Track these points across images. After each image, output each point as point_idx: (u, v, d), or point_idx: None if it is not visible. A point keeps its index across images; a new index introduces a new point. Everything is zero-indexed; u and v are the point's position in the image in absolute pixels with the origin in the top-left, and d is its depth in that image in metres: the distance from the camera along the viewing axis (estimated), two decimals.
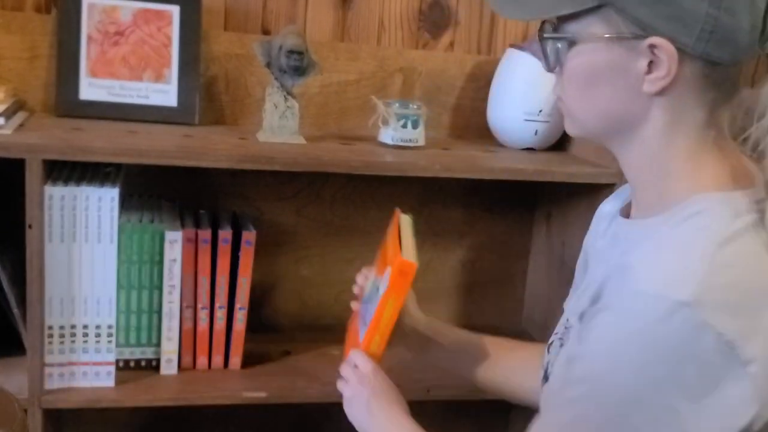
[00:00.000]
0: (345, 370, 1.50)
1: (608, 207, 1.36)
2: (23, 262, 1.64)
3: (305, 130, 1.92)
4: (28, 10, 1.93)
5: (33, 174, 1.57)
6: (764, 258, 1.05)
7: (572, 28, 1.13)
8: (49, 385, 1.71)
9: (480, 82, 2.17)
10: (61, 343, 1.71)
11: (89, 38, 1.90)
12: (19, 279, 1.71)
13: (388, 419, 1.45)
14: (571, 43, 1.14)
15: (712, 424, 1.02)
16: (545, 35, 1.16)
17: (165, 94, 1.95)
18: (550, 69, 1.20)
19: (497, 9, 1.19)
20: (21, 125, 1.74)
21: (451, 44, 2.18)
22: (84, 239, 1.66)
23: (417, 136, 1.92)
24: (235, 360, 1.88)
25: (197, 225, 1.84)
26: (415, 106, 1.94)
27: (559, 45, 1.15)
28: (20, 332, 1.76)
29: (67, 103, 1.90)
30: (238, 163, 1.69)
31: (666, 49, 1.06)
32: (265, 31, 2.06)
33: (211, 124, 2.02)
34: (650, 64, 1.08)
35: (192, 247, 1.80)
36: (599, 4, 1.08)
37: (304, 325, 2.18)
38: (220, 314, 1.85)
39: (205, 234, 1.80)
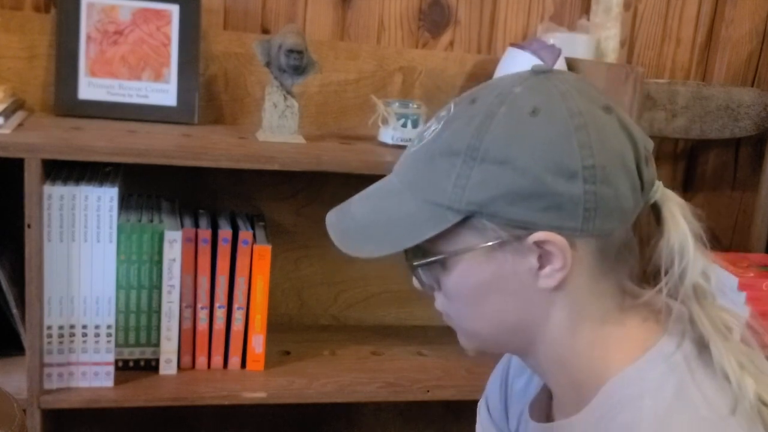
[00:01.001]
0: None
1: (520, 384, 1.26)
2: (22, 262, 1.64)
3: (305, 130, 1.92)
4: (27, 9, 1.93)
5: (32, 173, 1.57)
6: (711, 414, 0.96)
7: (442, 248, 1.02)
8: (48, 385, 1.71)
9: (480, 81, 2.12)
10: (60, 343, 1.71)
11: (88, 38, 1.91)
12: (18, 279, 1.71)
13: None
14: (444, 263, 1.03)
15: None
16: (415, 263, 1.05)
17: (164, 93, 1.95)
18: (430, 293, 1.10)
19: (347, 248, 1.05)
20: (20, 125, 1.74)
21: (451, 43, 2.18)
22: (83, 239, 1.66)
23: None
24: (235, 360, 1.88)
25: (197, 224, 1.84)
26: (415, 106, 1.94)
27: (432, 268, 1.05)
28: (19, 332, 1.76)
29: (66, 103, 1.90)
30: (237, 162, 1.69)
31: (554, 241, 0.96)
32: (265, 30, 2.06)
33: (211, 124, 2.03)
34: (540, 258, 0.98)
35: (191, 246, 1.80)
36: (465, 216, 0.98)
37: (303, 325, 2.18)
38: (220, 314, 1.84)
39: (205, 234, 1.80)
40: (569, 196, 0.94)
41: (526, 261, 0.98)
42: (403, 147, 1.88)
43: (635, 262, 1.05)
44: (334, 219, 1.10)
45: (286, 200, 2.12)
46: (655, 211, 1.02)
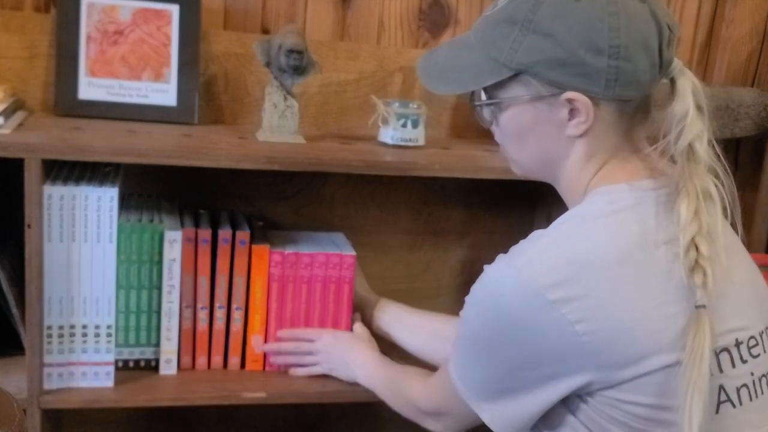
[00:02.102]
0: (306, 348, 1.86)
1: None
2: (22, 262, 1.64)
3: (305, 130, 1.92)
4: (27, 9, 1.93)
5: (32, 173, 1.57)
6: (604, 237, 1.22)
7: (498, 94, 1.31)
8: (48, 385, 1.71)
9: None
10: (60, 343, 1.70)
11: (88, 38, 1.91)
12: (18, 279, 1.71)
13: (365, 361, 1.78)
14: (499, 105, 1.32)
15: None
16: (476, 103, 1.37)
17: (164, 93, 1.95)
18: (488, 127, 1.41)
19: (427, 85, 1.40)
20: (20, 125, 1.74)
21: None
22: (83, 239, 1.66)
23: (417, 135, 1.93)
24: (234, 360, 1.88)
25: (197, 225, 1.83)
26: (415, 106, 1.94)
27: (491, 108, 1.35)
28: (19, 332, 1.76)
29: (66, 103, 1.90)
30: (237, 162, 1.69)
31: (581, 100, 1.23)
32: (265, 31, 2.06)
33: (211, 124, 2.03)
34: (571, 112, 1.26)
35: (191, 246, 1.79)
36: (516, 72, 1.27)
37: None
38: (220, 314, 1.84)
39: (205, 234, 1.80)
40: (595, 67, 1.21)
41: (559, 113, 1.26)
42: (403, 147, 1.91)
43: (651, 125, 1.31)
44: (422, 62, 1.42)
45: (286, 200, 2.12)
46: (672, 85, 1.27)
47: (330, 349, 1.84)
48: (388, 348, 1.84)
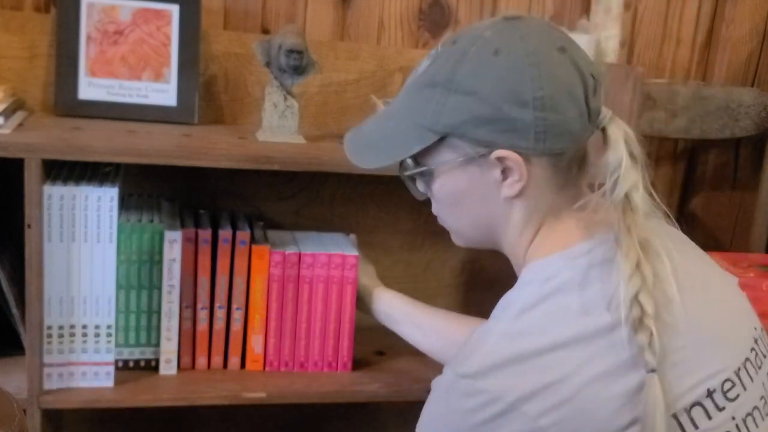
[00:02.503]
0: None
1: None
2: (22, 262, 1.64)
3: (305, 130, 1.93)
4: (27, 9, 1.94)
5: (32, 173, 1.57)
6: (545, 325, 1.16)
7: (427, 161, 1.29)
8: (48, 385, 1.71)
9: None
10: (60, 343, 1.71)
11: (88, 38, 1.91)
12: (18, 279, 1.71)
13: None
14: (431, 173, 1.30)
15: None
16: (406, 173, 1.32)
17: (164, 93, 1.96)
18: (422, 199, 1.40)
19: (355, 161, 1.37)
20: (20, 125, 1.74)
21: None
22: (83, 239, 1.66)
23: None
24: (234, 360, 1.88)
25: (197, 225, 1.84)
26: None
27: (423, 178, 1.32)
28: (19, 332, 1.76)
29: (66, 103, 1.91)
30: (237, 162, 1.69)
31: (511, 158, 1.20)
32: (265, 31, 2.07)
33: (211, 124, 2.03)
34: (503, 171, 1.23)
35: (192, 246, 1.80)
36: (442, 136, 1.24)
37: None
38: (220, 314, 1.85)
39: (206, 234, 1.81)
40: (522, 121, 1.18)
41: (492, 174, 1.23)
42: None
43: (588, 178, 1.28)
44: (349, 138, 1.40)
45: (286, 200, 2.12)
46: (604, 135, 1.23)
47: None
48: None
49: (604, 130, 1.23)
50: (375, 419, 2.33)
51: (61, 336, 1.70)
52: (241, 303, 1.85)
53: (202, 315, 1.83)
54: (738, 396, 1.18)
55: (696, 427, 1.14)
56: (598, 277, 1.18)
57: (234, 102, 2.06)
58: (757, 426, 1.19)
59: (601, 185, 1.21)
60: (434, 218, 2.17)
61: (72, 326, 1.71)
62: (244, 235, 1.82)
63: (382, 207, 2.19)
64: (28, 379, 1.68)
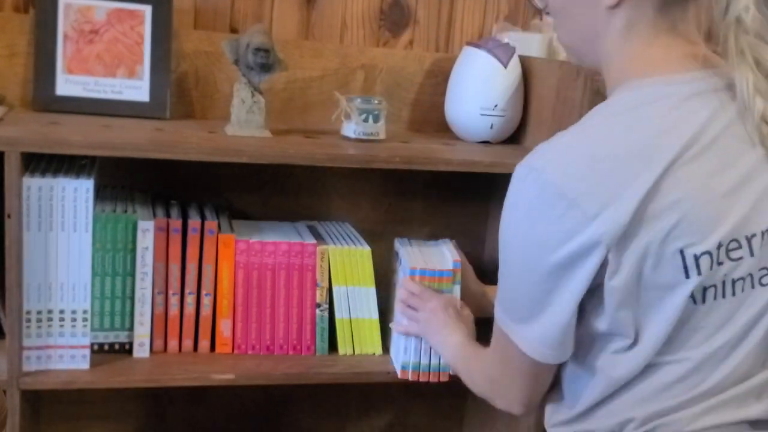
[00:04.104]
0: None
1: None
2: (2, 251, 1.66)
3: (271, 124, 1.94)
4: (7, 9, 1.96)
5: (12, 166, 1.59)
6: (618, 132, 1.23)
7: None
8: (27, 367, 1.73)
9: (438, 78, 2.21)
10: (39, 327, 1.73)
11: (65, 37, 1.93)
12: None
13: (454, 344, 1.74)
14: None
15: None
16: None
17: (137, 89, 1.98)
18: (546, 12, 1.48)
19: None
20: (0, 119, 1.76)
21: (411, 42, 2.23)
22: (60, 228, 1.69)
23: (378, 129, 1.95)
24: (204, 343, 1.91)
25: (168, 215, 1.87)
26: (377, 101, 1.96)
27: None
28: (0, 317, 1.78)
29: (44, 99, 1.93)
30: (207, 155, 1.71)
31: None
32: (233, 30, 2.10)
33: (182, 119, 2.05)
34: None
35: (163, 235, 1.83)
36: None
37: None
38: (190, 300, 1.88)
39: (176, 223, 1.84)
40: None
41: None
42: (364, 141, 1.93)
43: (691, 5, 1.29)
44: None
45: (253, 192, 2.15)
46: None
47: (431, 317, 1.82)
48: None
49: None
50: (339, 399, 2.37)
51: (39, 321, 1.73)
52: (209, 289, 1.89)
53: (174, 300, 1.87)
54: (741, 258, 1.24)
55: (699, 272, 1.21)
56: (717, 102, 1.24)
57: (204, 98, 2.08)
58: (742, 290, 1.26)
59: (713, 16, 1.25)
60: (396, 208, 2.24)
61: (50, 311, 1.73)
62: (211, 224, 1.86)
63: (345, 198, 2.21)
64: (8, 362, 1.70)
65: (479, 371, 1.58)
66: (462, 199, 2.29)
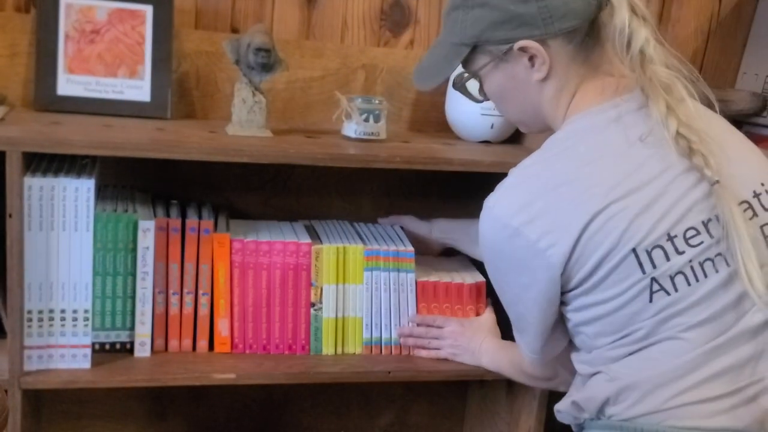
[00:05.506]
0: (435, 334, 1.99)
1: None
2: (3, 250, 1.66)
3: (272, 124, 1.94)
4: (8, 9, 1.96)
5: (13, 166, 1.59)
6: (556, 161, 1.41)
7: (471, 69, 1.52)
8: (28, 366, 1.73)
9: None
10: (40, 326, 1.73)
11: (67, 36, 1.93)
12: None
13: (489, 349, 1.92)
14: (477, 77, 1.53)
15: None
16: (458, 84, 1.59)
17: (139, 89, 1.98)
18: (483, 100, 1.61)
19: (420, 86, 1.60)
20: (1, 119, 1.76)
21: (411, 42, 2.22)
22: (61, 228, 1.69)
23: (379, 129, 1.95)
24: (203, 343, 1.91)
25: (168, 214, 1.87)
26: (377, 101, 1.96)
27: (473, 82, 1.56)
28: (1, 317, 1.78)
29: (45, 98, 1.93)
30: (208, 155, 1.71)
31: (531, 46, 1.41)
32: (234, 30, 2.09)
33: (183, 118, 2.05)
34: (530, 59, 1.44)
35: (164, 235, 1.83)
36: (472, 46, 1.47)
37: None
38: (188, 299, 1.88)
39: (176, 223, 1.84)
40: (528, 14, 1.38)
41: (521, 64, 1.45)
42: (365, 141, 1.93)
43: (611, 50, 1.43)
44: (414, 68, 1.61)
45: (254, 191, 2.15)
46: (610, 4, 1.39)
47: (456, 336, 1.96)
48: None
49: (608, 1, 1.40)
50: (339, 398, 2.37)
51: (40, 320, 1.73)
52: (206, 288, 1.89)
53: (174, 300, 1.87)
54: (701, 243, 1.35)
55: (654, 266, 1.34)
56: (632, 122, 1.39)
57: (205, 98, 2.08)
58: (717, 271, 1.35)
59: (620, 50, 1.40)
60: (396, 207, 2.23)
61: (51, 311, 1.73)
62: (207, 224, 1.86)
63: (345, 197, 2.21)
64: (9, 361, 1.70)
65: (520, 370, 1.78)
66: (462, 199, 2.28)
